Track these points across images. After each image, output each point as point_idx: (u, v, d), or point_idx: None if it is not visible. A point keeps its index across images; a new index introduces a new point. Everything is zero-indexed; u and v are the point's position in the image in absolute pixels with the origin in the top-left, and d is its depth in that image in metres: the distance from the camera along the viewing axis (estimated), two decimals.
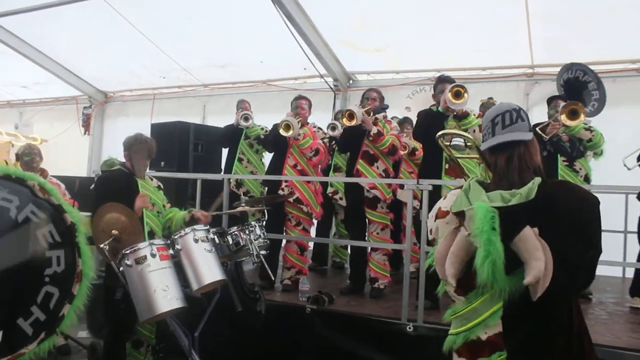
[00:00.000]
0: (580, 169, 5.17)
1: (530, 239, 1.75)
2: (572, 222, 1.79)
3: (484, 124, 2.08)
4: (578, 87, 5.49)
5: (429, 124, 4.59)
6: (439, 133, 2.76)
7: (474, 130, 4.52)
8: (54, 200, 3.47)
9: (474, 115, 4.67)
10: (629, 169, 4.92)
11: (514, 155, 1.95)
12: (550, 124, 5.16)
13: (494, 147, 2.00)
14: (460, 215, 1.93)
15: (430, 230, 2.11)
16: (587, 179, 5.18)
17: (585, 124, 5.09)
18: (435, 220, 2.06)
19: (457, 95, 4.47)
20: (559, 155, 5.17)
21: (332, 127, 6.31)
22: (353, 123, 5.06)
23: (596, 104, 5.39)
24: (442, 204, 2.05)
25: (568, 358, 1.85)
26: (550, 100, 5.46)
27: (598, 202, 1.87)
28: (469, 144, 2.37)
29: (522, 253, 1.76)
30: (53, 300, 3.41)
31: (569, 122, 4.98)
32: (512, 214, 1.81)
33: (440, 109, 4.64)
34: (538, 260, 1.72)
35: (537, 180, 1.86)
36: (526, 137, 1.97)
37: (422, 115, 4.85)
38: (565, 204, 1.82)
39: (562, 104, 5.14)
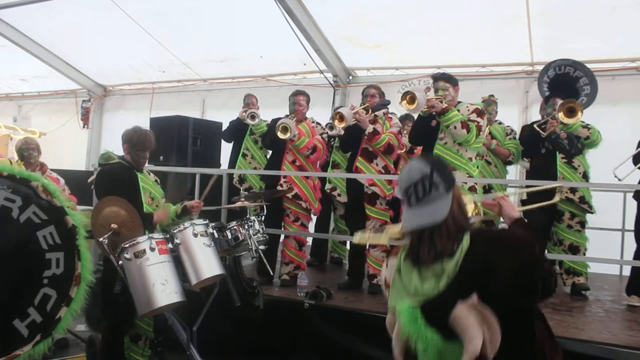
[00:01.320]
0: (579, 166, 5.19)
1: (461, 320, 1.75)
2: (511, 279, 1.78)
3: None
4: (568, 83, 5.52)
5: (420, 129, 4.88)
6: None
7: (455, 127, 4.56)
8: (56, 202, 3.47)
9: (459, 110, 4.73)
10: (619, 180, 4.94)
11: (424, 234, 1.90)
12: (548, 122, 5.18)
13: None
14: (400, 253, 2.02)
15: (385, 265, 2.16)
16: (585, 176, 5.21)
17: (583, 122, 5.11)
18: (386, 265, 2.14)
19: (412, 101, 4.62)
20: (557, 153, 5.19)
21: (330, 127, 6.28)
22: (344, 124, 5.14)
23: (585, 99, 5.42)
24: (387, 240, 2.19)
25: None
26: (548, 99, 5.48)
27: (534, 245, 1.87)
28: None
29: (458, 331, 1.77)
30: (50, 302, 3.41)
31: (566, 120, 5.02)
32: (435, 305, 1.83)
33: (420, 113, 4.81)
34: (472, 338, 1.73)
35: (464, 246, 1.84)
36: (438, 217, 1.88)
37: (416, 120, 5.02)
38: (501, 264, 1.80)
39: (559, 101, 5.17)
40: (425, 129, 4.82)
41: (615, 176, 5.00)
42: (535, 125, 5.32)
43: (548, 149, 5.24)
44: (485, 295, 1.76)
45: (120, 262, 3.41)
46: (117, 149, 4.26)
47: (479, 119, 4.66)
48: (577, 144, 5.11)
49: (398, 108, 5.39)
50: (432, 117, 4.73)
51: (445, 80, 4.83)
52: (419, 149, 6.01)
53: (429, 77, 5.23)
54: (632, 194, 5.22)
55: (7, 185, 3.30)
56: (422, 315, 1.84)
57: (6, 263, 3.24)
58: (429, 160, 1.97)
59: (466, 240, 1.85)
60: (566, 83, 5.61)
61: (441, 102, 4.71)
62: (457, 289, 1.80)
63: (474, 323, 1.74)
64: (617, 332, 3.95)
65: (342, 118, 5.12)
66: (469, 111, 4.70)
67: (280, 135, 5.24)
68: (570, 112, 5.01)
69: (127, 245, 3.37)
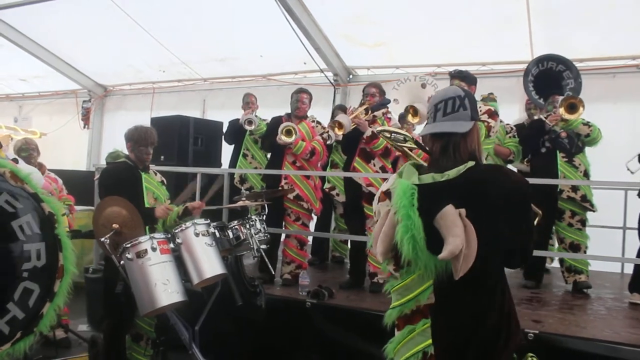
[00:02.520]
0: (580, 164, 5.18)
1: (450, 216, 1.79)
2: (500, 205, 1.83)
3: (429, 106, 2.11)
4: (552, 77, 5.51)
5: None
6: (378, 129, 2.85)
7: None
8: (28, 188, 3.24)
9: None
10: (632, 172, 4.93)
11: (450, 144, 1.98)
12: (550, 115, 5.18)
13: (432, 134, 2.04)
14: (389, 194, 1.99)
15: (375, 212, 2.15)
16: (586, 174, 5.20)
17: (583, 119, 5.11)
18: (377, 203, 2.10)
19: (415, 113, 4.78)
20: (558, 152, 5.19)
21: (328, 136, 6.20)
22: (342, 132, 5.13)
23: (570, 94, 5.42)
24: (383, 187, 2.09)
25: (495, 336, 1.88)
26: (547, 96, 5.46)
27: (528, 188, 1.93)
28: (407, 139, 2.46)
29: (442, 230, 1.79)
30: (32, 297, 3.18)
31: (567, 116, 5.01)
32: (433, 191, 1.86)
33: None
34: (455, 237, 1.76)
35: (470, 164, 1.90)
36: (463, 129, 1.98)
37: None
38: (494, 187, 1.86)
39: (559, 98, 5.16)
40: None
41: (628, 169, 5.01)
42: (542, 116, 5.29)
43: (548, 148, 5.23)
44: (472, 217, 1.79)
45: (121, 262, 3.40)
46: (121, 149, 4.26)
47: (490, 120, 4.66)
48: (577, 143, 5.11)
49: (394, 108, 5.40)
50: None
51: (460, 78, 4.82)
52: (417, 150, 6.02)
53: (431, 74, 5.23)
54: (633, 192, 5.23)
55: None
56: (417, 193, 1.86)
57: None
58: (465, 89, 2.09)
59: (471, 163, 1.91)
60: (552, 78, 5.61)
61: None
62: (452, 193, 1.84)
63: (460, 225, 1.76)
64: (619, 330, 3.94)
65: (340, 126, 5.12)
66: (480, 112, 4.69)
67: (284, 138, 5.22)
68: (572, 108, 5.01)
69: (128, 245, 3.37)
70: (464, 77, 4.89)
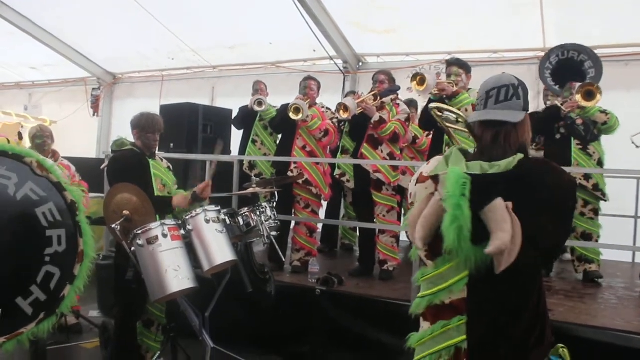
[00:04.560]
0: (594, 152, 5.12)
1: (499, 210, 1.74)
2: (546, 201, 1.79)
3: (480, 92, 2.04)
4: (573, 67, 5.46)
5: (430, 115, 4.69)
6: (432, 105, 2.80)
7: (466, 109, 4.57)
8: (53, 177, 3.39)
9: (468, 94, 4.75)
10: (637, 146, 4.87)
11: (501, 133, 1.93)
12: (567, 101, 5.12)
13: (482, 121, 1.99)
14: (436, 179, 1.94)
15: (410, 194, 2.10)
16: (600, 163, 5.14)
17: (601, 107, 5.03)
18: (415, 185, 2.06)
19: (421, 82, 4.67)
20: (572, 139, 5.13)
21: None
22: (348, 115, 5.15)
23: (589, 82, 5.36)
24: (424, 169, 2.05)
25: (529, 335, 1.85)
26: (564, 83, 5.39)
27: (576, 186, 1.90)
28: (459, 120, 2.41)
29: (490, 223, 1.75)
30: (54, 280, 3.35)
31: (584, 103, 4.94)
32: (485, 183, 1.81)
33: (431, 95, 4.80)
34: (504, 232, 1.71)
35: (519, 156, 1.85)
36: (515, 119, 1.93)
37: (426, 104, 4.94)
38: (542, 182, 1.82)
39: (576, 86, 5.09)
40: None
41: (633, 142, 4.96)
42: (557, 102, 5.23)
43: (563, 135, 5.17)
44: (518, 211, 1.75)
45: (132, 248, 3.41)
46: (128, 137, 4.26)
47: None
48: (593, 130, 5.04)
49: (403, 94, 5.38)
50: (443, 101, 4.69)
51: (459, 66, 4.82)
52: (421, 139, 6.00)
53: (441, 62, 5.21)
54: None
55: (1, 162, 3.24)
56: (469, 184, 1.80)
57: (6, 242, 3.20)
58: (518, 78, 2.03)
59: (520, 156, 1.87)
60: (572, 68, 5.55)
61: (453, 86, 4.70)
62: (501, 185, 1.80)
63: (509, 220, 1.72)
64: (630, 319, 3.92)
65: (346, 109, 5.12)
66: None
67: (292, 115, 5.23)
68: (589, 96, 4.93)
69: (139, 232, 3.37)
70: (462, 65, 4.88)
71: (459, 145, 2.04)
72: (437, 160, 2.01)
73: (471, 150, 2.03)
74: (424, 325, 2.03)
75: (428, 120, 4.94)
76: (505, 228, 1.71)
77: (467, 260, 1.80)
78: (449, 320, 1.92)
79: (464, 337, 1.88)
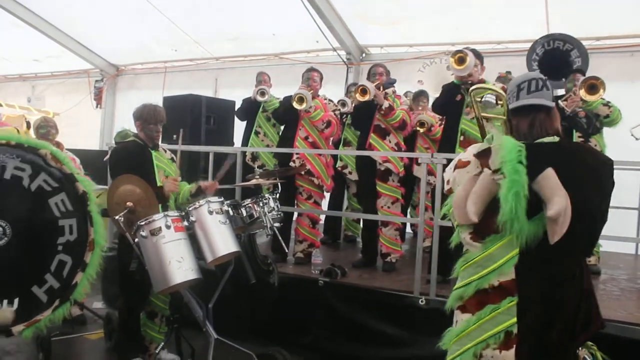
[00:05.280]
0: (596, 145, 5.06)
1: (552, 179, 1.78)
2: (590, 175, 1.84)
3: (509, 89, 2.12)
4: (559, 57, 5.43)
5: (446, 97, 4.66)
6: (473, 87, 2.81)
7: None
8: (65, 169, 3.52)
9: (493, 84, 4.64)
10: (637, 139, 4.85)
11: (536, 120, 1.99)
12: (570, 98, 5.08)
13: (517, 109, 2.04)
14: (485, 154, 1.95)
15: (447, 181, 2.12)
16: None
17: (604, 99, 5.00)
18: (454, 171, 2.07)
19: (460, 61, 4.47)
20: (574, 131, 5.11)
21: (342, 104, 6.28)
22: (366, 98, 5.04)
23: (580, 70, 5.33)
24: (462, 156, 2.08)
25: (577, 317, 1.86)
26: (568, 74, 5.37)
27: (613, 164, 1.93)
28: (499, 101, 2.42)
29: (545, 191, 1.78)
30: (66, 268, 3.49)
31: (587, 97, 4.90)
32: (539, 151, 1.86)
33: (455, 80, 4.65)
34: (561, 197, 1.74)
35: (558, 138, 1.93)
36: (549, 104, 2.01)
37: (443, 88, 4.84)
38: (584, 159, 1.88)
39: (580, 77, 5.07)
40: (449, 101, 4.68)
41: (632, 135, 4.94)
42: (560, 101, 5.20)
43: (565, 127, 5.13)
44: (567, 183, 1.80)
45: (136, 239, 3.42)
46: (131, 129, 4.27)
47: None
48: (596, 123, 5.01)
49: (413, 87, 5.35)
50: (458, 88, 4.63)
51: (475, 56, 4.78)
52: (435, 128, 5.96)
53: (445, 53, 5.16)
54: None
55: (16, 154, 3.35)
56: (525, 151, 1.85)
57: (21, 231, 3.29)
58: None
59: (558, 138, 1.95)
60: (558, 58, 5.53)
61: (379, 88, 4.80)
62: (550, 157, 1.85)
63: (562, 187, 1.76)
64: (632, 311, 3.92)
65: (365, 91, 5.02)
66: None
67: (295, 105, 5.23)
68: (592, 89, 4.90)
69: (142, 223, 3.38)
70: (478, 55, 4.83)
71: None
72: (474, 147, 2.04)
73: None
74: (463, 317, 1.99)
75: (442, 105, 4.85)
76: (561, 194, 1.75)
77: (521, 233, 1.81)
78: (499, 304, 1.90)
79: (514, 319, 1.86)
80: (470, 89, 2.79)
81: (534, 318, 1.85)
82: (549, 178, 1.78)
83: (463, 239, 2.01)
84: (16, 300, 3.28)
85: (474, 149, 2.03)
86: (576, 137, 5.09)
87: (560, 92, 5.29)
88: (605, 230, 5.15)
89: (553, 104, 2.03)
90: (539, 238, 1.79)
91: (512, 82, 2.13)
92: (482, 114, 2.47)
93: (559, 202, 1.74)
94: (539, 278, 1.86)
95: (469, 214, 1.91)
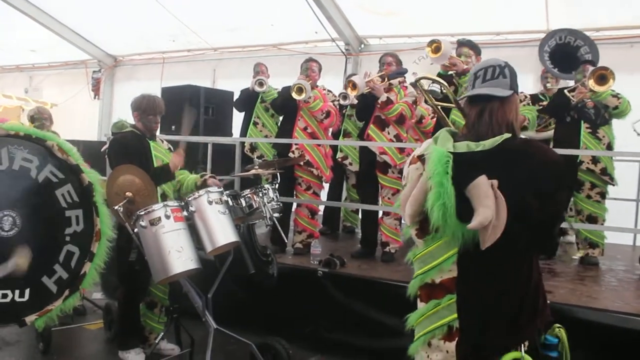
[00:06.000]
0: (604, 136, 5.05)
1: (482, 187, 1.77)
2: (531, 178, 1.80)
3: (469, 76, 2.10)
4: (569, 53, 5.43)
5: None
6: (416, 77, 2.80)
7: None
8: (72, 160, 3.54)
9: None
10: (638, 134, 4.83)
11: (486, 109, 1.95)
12: (577, 89, 5.06)
13: (469, 99, 2.02)
14: (422, 159, 1.97)
15: (404, 175, 2.13)
16: (609, 147, 5.06)
17: (613, 91, 4.95)
18: (408, 166, 2.09)
19: (436, 50, 4.62)
20: (582, 122, 5.08)
21: (344, 96, 6.26)
22: (356, 92, 5.13)
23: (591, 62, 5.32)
24: (416, 151, 2.08)
25: (518, 312, 1.87)
26: (578, 65, 5.33)
27: (562, 164, 1.90)
28: (444, 90, 2.41)
29: (473, 200, 1.78)
30: (74, 258, 3.52)
31: (597, 88, 4.86)
32: (467, 160, 1.84)
33: (440, 70, 4.72)
34: (486, 207, 1.74)
35: (506, 135, 1.87)
36: (501, 94, 1.95)
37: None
38: (526, 160, 1.84)
39: (590, 68, 5.04)
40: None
41: (634, 130, 4.92)
42: (566, 91, 5.18)
43: (573, 118, 5.11)
44: (504, 189, 1.78)
45: (135, 230, 3.42)
46: (129, 120, 4.25)
47: None
48: (604, 114, 4.97)
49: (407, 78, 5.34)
50: (450, 78, 4.63)
51: (470, 47, 4.80)
52: (426, 119, 5.96)
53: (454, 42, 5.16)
54: None
55: (24, 145, 3.38)
56: (451, 161, 1.84)
57: (30, 223, 3.32)
58: (505, 61, 2.06)
59: (507, 135, 1.89)
60: (568, 52, 5.52)
61: (383, 79, 4.74)
62: (485, 163, 1.83)
63: (491, 196, 1.75)
64: (630, 301, 3.94)
65: (354, 86, 5.11)
66: None
67: (295, 95, 5.21)
68: (601, 80, 4.86)
69: (142, 213, 3.38)
70: (473, 47, 4.85)
71: (448, 127, 2.08)
72: (427, 142, 2.05)
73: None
74: (420, 305, 2.08)
75: None
76: (487, 204, 1.74)
77: (455, 237, 1.84)
78: (440, 300, 1.96)
79: (455, 315, 1.91)
80: (415, 79, 2.80)
81: (473, 316, 1.89)
82: (478, 187, 1.77)
83: (411, 234, 2.07)
84: (27, 291, 3.32)
85: (420, 148, 2.05)
86: (584, 127, 5.08)
87: (570, 83, 5.27)
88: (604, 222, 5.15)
89: (507, 94, 1.96)
90: (477, 240, 1.80)
91: (471, 71, 2.10)
92: (436, 103, 2.46)
93: (482, 213, 1.74)
94: (478, 278, 1.89)
95: (405, 216, 1.98)
